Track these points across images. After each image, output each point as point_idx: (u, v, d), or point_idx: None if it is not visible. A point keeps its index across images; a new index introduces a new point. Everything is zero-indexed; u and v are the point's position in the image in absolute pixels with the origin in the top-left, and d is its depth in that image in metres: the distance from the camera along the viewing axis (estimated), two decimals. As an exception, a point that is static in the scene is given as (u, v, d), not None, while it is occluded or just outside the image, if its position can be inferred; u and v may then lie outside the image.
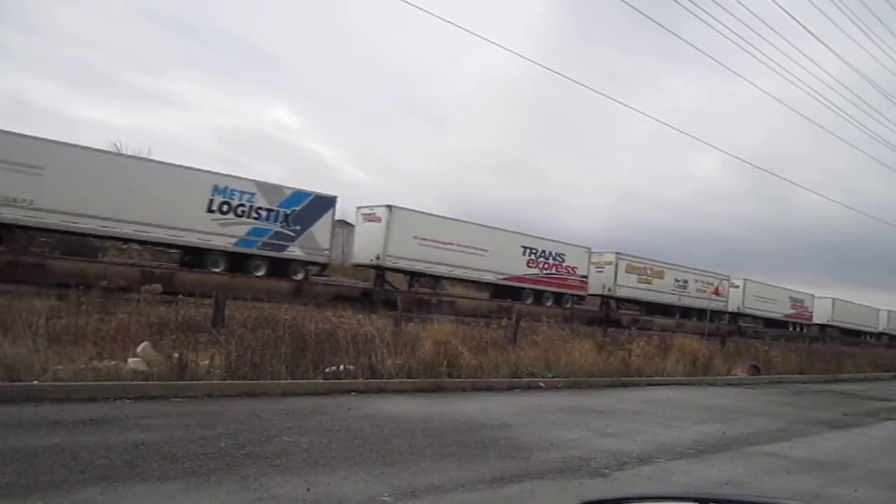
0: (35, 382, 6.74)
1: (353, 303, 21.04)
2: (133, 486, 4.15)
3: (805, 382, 17.80)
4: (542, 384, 11.17)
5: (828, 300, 47.62)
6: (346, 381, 8.98)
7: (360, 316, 13.78)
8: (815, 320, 46.78)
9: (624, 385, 12.68)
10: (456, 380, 10.10)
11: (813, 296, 47.08)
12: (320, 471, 4.86)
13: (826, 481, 6.07)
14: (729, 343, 20.89)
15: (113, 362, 7.78)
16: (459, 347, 10.79)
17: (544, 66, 53.28)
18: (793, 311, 44.21)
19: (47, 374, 6.99)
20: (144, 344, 8.44)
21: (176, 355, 7.94)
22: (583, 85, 57.17)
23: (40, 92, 50.04)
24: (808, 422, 10.04)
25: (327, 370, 9.10)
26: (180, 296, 12.81)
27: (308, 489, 4.36)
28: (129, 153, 26.06)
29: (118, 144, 28.78)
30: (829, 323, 47.34)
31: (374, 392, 8.90)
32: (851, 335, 47.92)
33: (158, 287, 12.16)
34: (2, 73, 49.69)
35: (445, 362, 10.25)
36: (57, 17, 52.17)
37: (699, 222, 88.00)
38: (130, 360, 8.02)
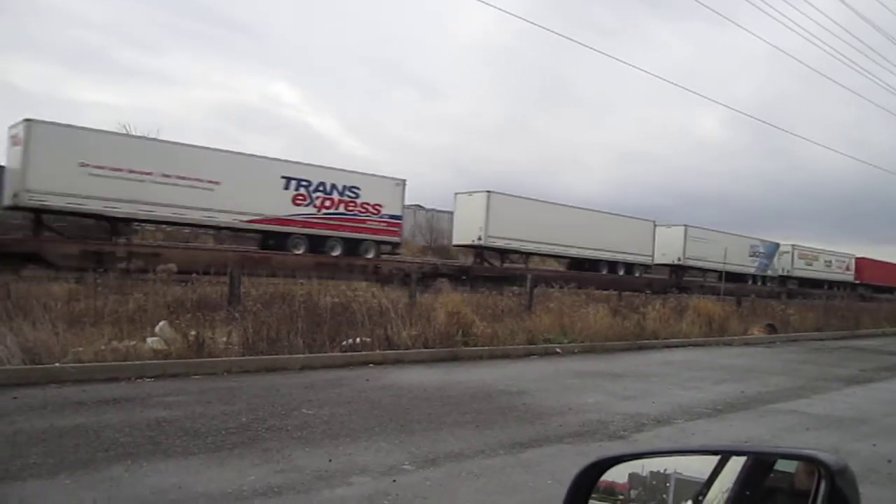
0: (57, 364, 6.83)
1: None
2: (157, 462, 4.22)
3: (822, 339, 17.71)
4: (558, 350, 11.19)
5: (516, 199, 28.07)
6: (364, 353, 9.04)
7: (374, 289, 13.84)
8: (472, 239, 27.26)
9: (640, 348, 12.68)
10: (472, 348, 10.15)
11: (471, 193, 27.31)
12: (341, 442, 4.91)
13: (845, 436, 6.05)
14: (745, 303, 20.80)
15: (132, 342, 7.86)
16: (473, 316, 10.82)
17: (538, 24, 52.29)
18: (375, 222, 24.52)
19: (68, 356, 7.08)
20: (162, 323, 8.52)
21: (193, 333, 8.02)
22: (572, 40, 55.99)
23: (44, 78, 50.01)
24: (826, 378, 10.00)
25: (344, 343, 9.15)
26: (194, 275, 12.92)
27: (330, 460, 4.41)
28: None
29: (127, 126, 28.75)
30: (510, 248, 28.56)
31: (392, 363, 8.97)
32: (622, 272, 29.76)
33: (174, 266, 12.23)
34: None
35: (460, 332, 10.29)
36: (55, 4, 51.79)
37: (701, 180, 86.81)
38: (149, 339, 8.11)
